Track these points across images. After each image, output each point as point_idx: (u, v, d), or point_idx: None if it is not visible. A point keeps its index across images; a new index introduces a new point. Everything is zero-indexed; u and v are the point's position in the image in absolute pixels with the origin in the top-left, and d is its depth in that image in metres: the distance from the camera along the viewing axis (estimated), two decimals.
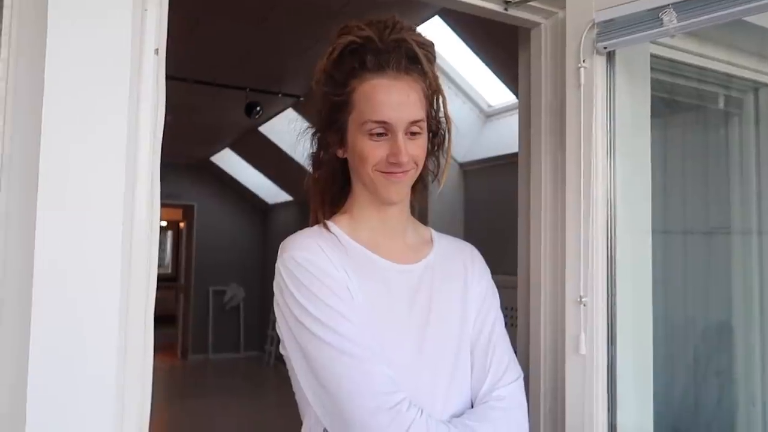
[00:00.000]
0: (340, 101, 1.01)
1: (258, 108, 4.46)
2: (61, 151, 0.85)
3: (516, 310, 1.61)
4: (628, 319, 1.36)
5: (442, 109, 1.08)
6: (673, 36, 1.27)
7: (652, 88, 1.49)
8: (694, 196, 1.82)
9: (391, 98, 0.98)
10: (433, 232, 1.17)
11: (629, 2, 1.24)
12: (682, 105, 1.78)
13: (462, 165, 4.26)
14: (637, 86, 1.44)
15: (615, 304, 1.33)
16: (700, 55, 1.52)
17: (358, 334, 0.94)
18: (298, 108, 4.75)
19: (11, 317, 0.86)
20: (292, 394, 1.03)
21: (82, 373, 0.85)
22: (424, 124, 1.02)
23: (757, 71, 1.70)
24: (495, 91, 3.89)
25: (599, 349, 1.30)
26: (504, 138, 3.79)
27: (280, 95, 4.48)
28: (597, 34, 1.31)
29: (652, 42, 1.39)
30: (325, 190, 1.11)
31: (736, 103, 1.82)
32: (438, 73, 1.06)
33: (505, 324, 1.13)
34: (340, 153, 1.06)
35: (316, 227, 1.06)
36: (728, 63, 1.61)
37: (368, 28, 0.99)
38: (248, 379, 7.49)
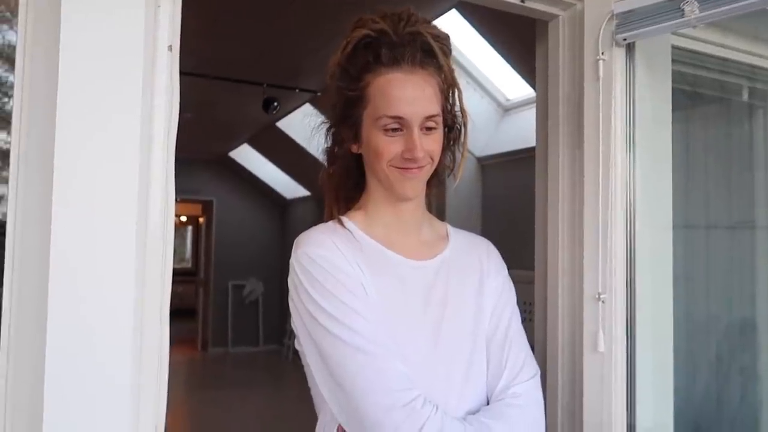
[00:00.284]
0: (354, 96, 1.00)
1: (275, 103, 4.47)
2: (75, 147, 0.86)
3: (533, 305, 1.60)
4: (648, 316, 1.34)
5: (457, 103, 1.06)
6: (694, 27, 1.24)
7: (674, 80, 1.46)
8: (717, 191, 1.79)
9: (406, 93, 0.96)
10: (450, 227, 1.16)
11: None
12: (704, 97, 1.74)
13: (480, 159, 4.24)
14: (658, 78, 1.42)
15: (634, 300, 1.31)
16: (723, 46, 1.49)
17: (373, 331, 0.93)
18: (315, 103, 4.75)
19: (28, 314, 0.86)
20: (309, 388, 1.03)
21: (97, 371, 0.85)
22: (440, 119, 1.01)
23: None
24: (513, 85, 3.86)
25: (618, 346, 1.28)
26: (522, 132, 3.76)
27: (297, 91, 4.49)
28: (616, 25, 1.28)
29: (673, 33, 1.36)
30: (339, 186, 1.10)
31: (760, 95, 1.78)
32: (454, 67, 1.04)
33: (522, 319, 1.11)
34: (354, 148, 1.05)
35: (330, 223, 1.06)
36: (752, 54, 1.58)
37: (383, 21, 0.98)
38: (267, 372, 7.55)
